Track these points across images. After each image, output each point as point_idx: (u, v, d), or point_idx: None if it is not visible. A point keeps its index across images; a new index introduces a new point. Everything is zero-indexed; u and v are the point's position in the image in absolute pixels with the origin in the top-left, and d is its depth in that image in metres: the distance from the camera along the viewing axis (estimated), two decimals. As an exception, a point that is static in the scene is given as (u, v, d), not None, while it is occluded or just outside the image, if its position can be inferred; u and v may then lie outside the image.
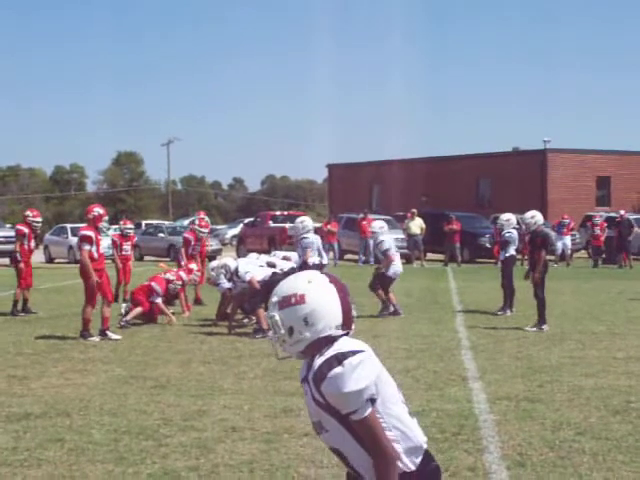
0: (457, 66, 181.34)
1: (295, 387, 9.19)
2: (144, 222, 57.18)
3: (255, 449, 7.23)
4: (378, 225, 17.44)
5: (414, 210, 34.97)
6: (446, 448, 7.18)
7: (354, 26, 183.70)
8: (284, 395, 9.23)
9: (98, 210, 14.17)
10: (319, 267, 15.07)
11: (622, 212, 34.59)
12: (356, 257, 36.08)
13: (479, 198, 53.39)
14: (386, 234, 17.19)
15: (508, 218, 17.05)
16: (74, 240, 28.16)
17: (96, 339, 13.61)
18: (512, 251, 16.90)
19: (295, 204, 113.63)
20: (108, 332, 13.84)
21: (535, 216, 15.00)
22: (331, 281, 3.51)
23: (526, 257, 24.11)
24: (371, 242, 29.18)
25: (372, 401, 3.33)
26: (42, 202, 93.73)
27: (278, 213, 44.51)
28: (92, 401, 9.17)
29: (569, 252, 34.21)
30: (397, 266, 16.78)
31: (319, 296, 3.44)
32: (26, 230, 17.84)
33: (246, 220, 52.69)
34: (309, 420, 3.63)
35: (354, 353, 3.34)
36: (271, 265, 15.14)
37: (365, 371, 3.31)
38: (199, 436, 7.66)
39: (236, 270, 14.60)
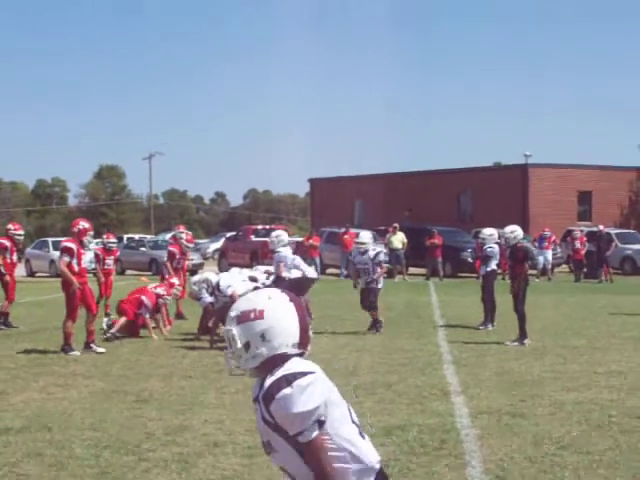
0: (439, 81, 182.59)
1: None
2: (126, 236, 56.89)
3: (237, 464, 7.21)
4: (368, 236, 17.32)
5: (396, 224, 35.02)
6: (428, 462, 7.18)
7: (336, 41, 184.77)
8: (266, 409, 9.18)
9: (83, 224, 14.15)
10: (307, 281, 15.09)
11: (601, 227, 34.81)
12: (338, 271, 36.18)
13: (461, 212, 53.52)
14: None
15: (491, 233, 17.04)
16: (56, 254, 28.04)
17: (77, 353, 13.54)
18: (493, 266, 16.91)
19: (277, 218, 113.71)
20: (93, 345, 13.79)
21: (515, 231, 15.08)
22: (291, 299, 3.51)
23: (507, 272, 24.22)
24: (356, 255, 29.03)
25: (320, 423, 3.32)
26: (24, 216, 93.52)
27: (260, 227, 44.32)
28: (73, 415, 9.13)
29: (550, 266, 34.39)
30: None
31: (278, 313, 3.44)
32: (8, 244, 17.82)
33: (228, 234, 52.55)
34: None
35: (304, 374, 3.34)
36: (253, 279, 15.13)
37: (314, 393, 3.30)
38: (181, 451, 7.63)
39: (218, 284, 14.63)
